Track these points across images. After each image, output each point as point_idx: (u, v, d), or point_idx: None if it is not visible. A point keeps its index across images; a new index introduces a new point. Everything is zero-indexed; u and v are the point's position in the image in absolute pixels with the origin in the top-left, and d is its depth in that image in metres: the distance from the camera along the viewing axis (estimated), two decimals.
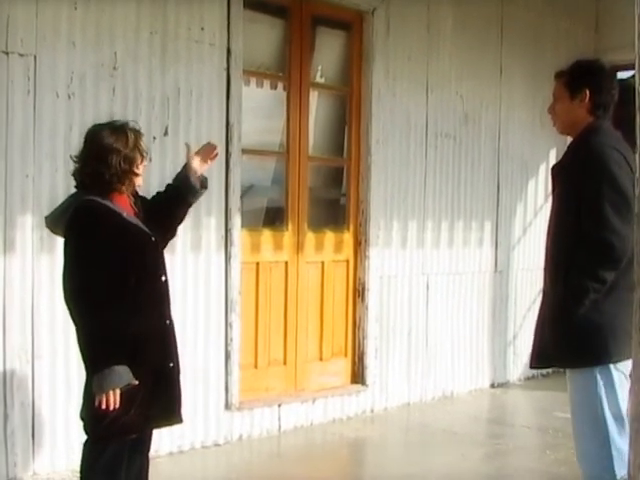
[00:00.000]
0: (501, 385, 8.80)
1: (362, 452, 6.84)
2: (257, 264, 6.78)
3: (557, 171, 4.24)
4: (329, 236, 7.35)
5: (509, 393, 8.65)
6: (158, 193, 4.35)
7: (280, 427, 6.80)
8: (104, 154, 3.89)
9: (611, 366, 3.93)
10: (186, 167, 4.31)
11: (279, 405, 6.80)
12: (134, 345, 3.85)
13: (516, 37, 8.78)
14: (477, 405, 8.14)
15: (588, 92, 4.17)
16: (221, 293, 6.37)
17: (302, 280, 7.09)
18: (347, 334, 7.46)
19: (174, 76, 6.08)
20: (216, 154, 4.42)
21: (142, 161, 4.02)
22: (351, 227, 7.48)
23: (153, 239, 4.07)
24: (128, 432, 3.97)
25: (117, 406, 3.77)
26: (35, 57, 5.37)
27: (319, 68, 7.48)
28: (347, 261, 7.45)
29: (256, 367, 6.79)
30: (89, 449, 3.98)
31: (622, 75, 10.34)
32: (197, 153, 4.35)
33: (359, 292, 7.47)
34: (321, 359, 7.28)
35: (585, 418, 4.00)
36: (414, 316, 7.92)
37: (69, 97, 5.53)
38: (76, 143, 5.44)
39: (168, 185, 4.35)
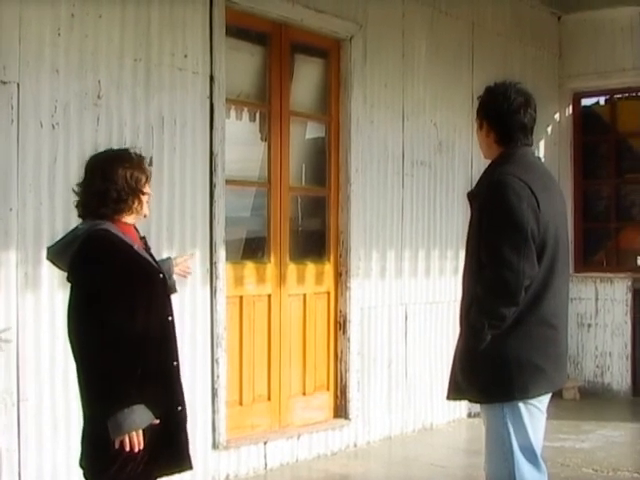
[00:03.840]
0: (477, 414, 8.58)
1: None
2: (240, 298, 6.58)
3: (470, 198, 4.09)
4: (310, 267, 7.18)
5: None
6: None
7: (266, 465, 6.58)
8: (109, 171, 3.72)
9: (519, 402, 3.82)
10: (169, 264, 4.17)
11: (265, 442, 6.58)
12: (141, 387, 3.62)
13: (486, 62, 8.74)
14: (458, 436, 8.01)
15: (486, 124, 4.03)
16: (207, 328, 6.16)
17: (285, 313, 6.91)
18: (329, 367, 7.28)
19: (158, 104, 5.88)
20: (189, 273, 4.46)
21: (147, 181, 3.84)
22: (332, 258, 7.32)
23: (161, 276, 3.88)
24: None
25: (141, 447, 3.55)
26: (18, 85, 5.13)
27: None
28: (328, 293, 7.29)
29: (241, 404, 6.58)
30: None
31: (585, 102, 10.43)
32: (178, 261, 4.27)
33: (340, 324, 7.30)
34: (304, 393, 7.09)
35: (493, 449, 3.90)
36: (394, 347, 7.78)
37: (53, 127, 5.30)
38: (61, 175, 5.30)
39: None
